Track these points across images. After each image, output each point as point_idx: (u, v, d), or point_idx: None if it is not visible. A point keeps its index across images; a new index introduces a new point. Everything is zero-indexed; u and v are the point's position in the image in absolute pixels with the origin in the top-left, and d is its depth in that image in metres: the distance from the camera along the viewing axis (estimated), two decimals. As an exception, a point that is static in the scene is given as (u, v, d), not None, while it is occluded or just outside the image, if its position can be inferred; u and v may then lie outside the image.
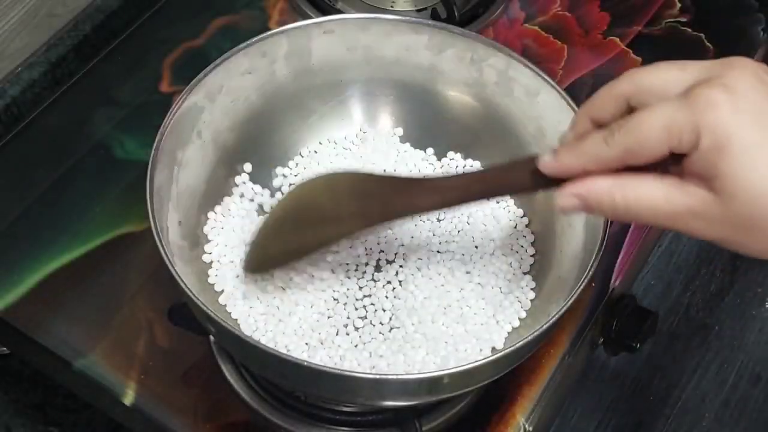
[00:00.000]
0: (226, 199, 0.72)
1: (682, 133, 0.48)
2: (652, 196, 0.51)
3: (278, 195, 0.73)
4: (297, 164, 0.75)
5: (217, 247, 0.69)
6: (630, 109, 0.52)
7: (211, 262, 0.69)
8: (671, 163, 0.50)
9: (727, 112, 0.48)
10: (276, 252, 0.65)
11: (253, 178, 0.73)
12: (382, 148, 0.76)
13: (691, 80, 0.50)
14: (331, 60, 0.74)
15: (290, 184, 0.74)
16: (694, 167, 0.49)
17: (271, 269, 0.67)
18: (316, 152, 0.75)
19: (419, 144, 0.76)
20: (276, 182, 0.74)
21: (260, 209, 0.72)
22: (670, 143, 0.49)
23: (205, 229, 0.70)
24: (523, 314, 0.68)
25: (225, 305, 0.67)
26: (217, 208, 0.71)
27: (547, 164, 0.54)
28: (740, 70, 0.50)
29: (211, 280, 0.68)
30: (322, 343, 0.66)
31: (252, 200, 0.73)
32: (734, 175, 0.48)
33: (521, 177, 0.57)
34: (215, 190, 0.71)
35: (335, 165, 0.75)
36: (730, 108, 0.48)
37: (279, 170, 0.74)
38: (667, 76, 0.51)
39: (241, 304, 0.68)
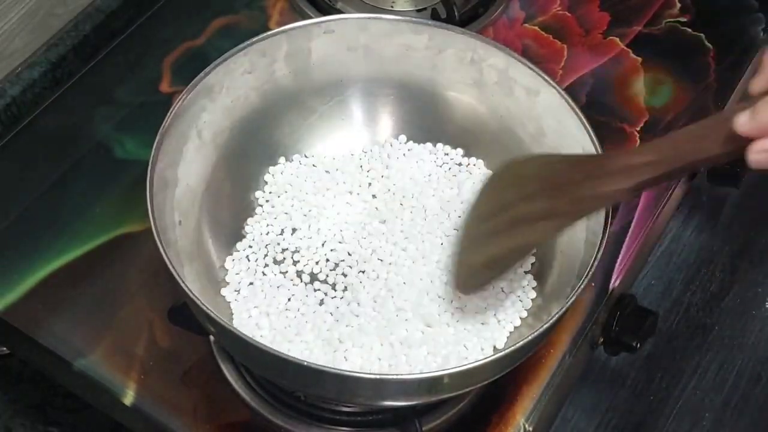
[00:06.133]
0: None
1: None
2: None
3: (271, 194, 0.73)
4: (298, 163, 0.75)
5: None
6: None
7: (212, 262, 0.69)
8: None
9: None
10: (480, 261, 0.64)
11: (254, 178, 0.73)
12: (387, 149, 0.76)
13: None
14: (331, 60, 0.73)
15: (290, 184, 0.74)
16: None
17: (484, 283, 0.67)
18: (313, 156, 0.75)
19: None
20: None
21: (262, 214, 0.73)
22: None
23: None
24: (525, 314, 0.68)
25: (224, 305, 0.68)
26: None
27: (745, 124, 0.49)
28: None
29: (212, 280, 0.68)
30: (322, 343, 0.66)
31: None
32: None
33: (714, 144, 0.51)
34: (217, 192, 0.71)
35: (337, 165, 0.75)
36: None
37: (278, 167, 0.75)
38: None
39: (241, 303, 0.68)
